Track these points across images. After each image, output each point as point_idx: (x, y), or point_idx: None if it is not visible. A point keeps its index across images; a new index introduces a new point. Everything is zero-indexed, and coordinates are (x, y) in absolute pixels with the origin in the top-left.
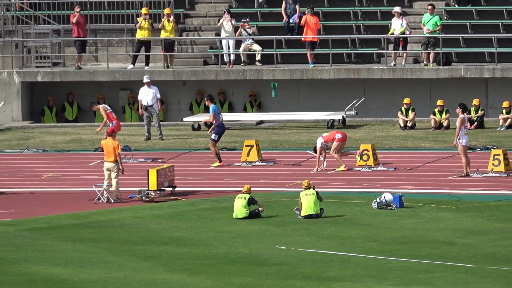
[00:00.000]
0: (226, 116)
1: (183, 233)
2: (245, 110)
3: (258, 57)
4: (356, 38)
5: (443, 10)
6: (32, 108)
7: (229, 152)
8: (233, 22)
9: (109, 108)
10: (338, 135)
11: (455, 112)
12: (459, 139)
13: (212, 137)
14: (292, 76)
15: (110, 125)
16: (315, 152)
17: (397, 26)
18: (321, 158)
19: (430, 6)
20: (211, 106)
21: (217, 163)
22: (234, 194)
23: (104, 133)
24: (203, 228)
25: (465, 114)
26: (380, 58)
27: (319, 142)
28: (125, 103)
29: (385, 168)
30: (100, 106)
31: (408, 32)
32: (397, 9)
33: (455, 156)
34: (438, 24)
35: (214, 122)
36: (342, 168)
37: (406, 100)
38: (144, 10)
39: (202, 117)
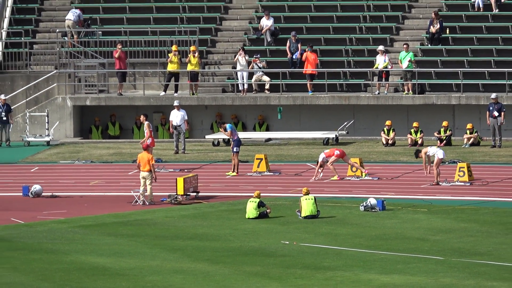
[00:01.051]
0: (241, 135)
1: (204, 230)
2: (254, 129)
3: (267, 86)
4: (347, 71)
5: (418, 48)
6: (82, 127)
7: (242, 164)
8: (247, 57)
9: (151, 126)
10: (336, 152)
11: (428, 132)
12: (437, 153)
13: (234, 150)
14: (294, 102)
15: (148, 141)
16: (318, 164)
17: (381, 61)
18: (320, 170)
19: (405, 45)
20: (227, 125)
21: (233, 173)
22: (246, 199)
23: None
24: (221, 226)
25: (423, 153)
26: (366, 87)
27: (321, 156)
28: (158, 124)
29: (370, 178)
30: (146, 123)
31: (390, 67)
32: (381, 47)
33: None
34: (412, 59)
35: (232, 137)
36: (335, 178)
37: (388, 122)
38: (174, 48)
39: (221, 135)
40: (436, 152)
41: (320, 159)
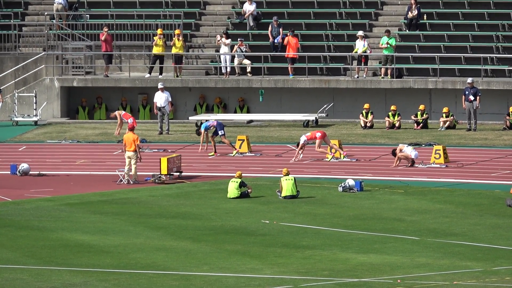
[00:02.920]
0: (223, 116)
1: (187, 209)
2: (235, 112)
3: (248, 69)
4: (327, 56)
5: (396, 34)
6: (69, 108)
7: (225, 144)
8: (229, 41)
9: (123, 111)
10: (318, 134)
11: (405, 115)
12: (411, 153)
13: (220, 133)
14: (276, 85)
15: (129, 121)
16: (297, 146)
17: (360, 46)
18: (300, 151)
19: (386, 32)
20: (202, 127)
21: (235, 151)
22: (228, 179)
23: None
24: (203, 205)
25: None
26: (346, 71)
27: (302, 139)
28: (140, 105)
29: (348, 159)
30: (116, 112)
31: (368, 51)
32: (360, 33)
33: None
34: (393, 44)
35: (213, 127)
36: (330, 157)
37: (366, 105)
38: (159, 31)
39: (204, 117)
40: (410, 152)
41: (301, 142)
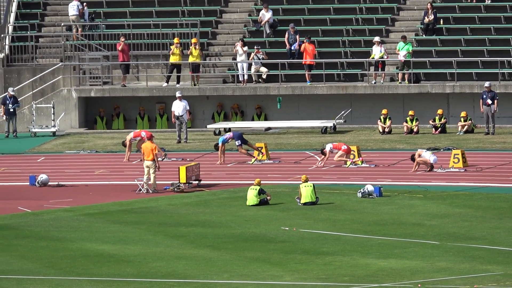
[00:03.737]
0: (241, 124)
1: (206, 217)
2: (253, 120)
3: (264, 76)
4: (344, 62)
5: (413, 39)
6: (87, 118)
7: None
8: (246, 49)
9: (131, 135)
10: (344, 147)
11: (423, 120)
12: (430, 157)
13: (237, 143)
14: (293, 92)
15: (142, 134)
16: (322, 153)
17: (377, 52)
18: (324, 158)
19: (403, 37)
20: (219, 140)
21: (253, 159)
22: (247, 186)
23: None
24: (223, 213)
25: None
26: (363, 77)
27: (328, 146)
28: (157, 114)
29: (367, 165)
30: (127, 139)
31: (385, 57)
32: (377, 38)
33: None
34: (410, 50)
35: (230, 139)
36: (348, 163)
37: (384, 111)
38: (176, 40)
39: (222, 125)
40: (429, 157)
41: (327, 149)
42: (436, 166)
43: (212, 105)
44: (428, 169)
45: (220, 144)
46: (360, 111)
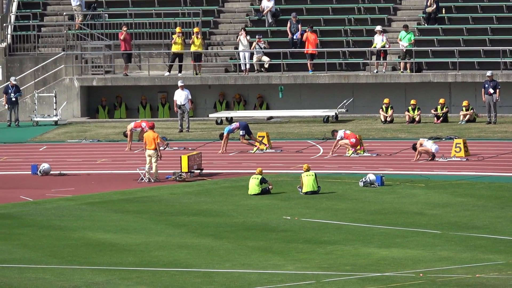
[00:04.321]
0: (243, 113)
1: (208, 206)
2: (255, 108)
3: (266, 65)
4: (346, 51)
5: (415, 28)
6: (89, 107)
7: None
8: (248, 38)
9: (131, 125)
10: (353, 140)
11: (425, 109)
12: (432, 146)
13: (241, 133)
14: (295, 81)
15: (142, 125)
16: (332, 135)
17: (378, 41)
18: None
19: (405, 26)
20: (224, 130)
21: (255, 148)
22: (249, 175)
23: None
24: (225, 202)
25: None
26: (365, 66)
27: (340, 134)
28: (159, 103)
29: (369, 154)
30: (127, 130)
31: (387, 46)
32: (378, 27)
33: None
34: (412, 39)
35: (237, 129)
36: (350, 152)
37: (386, 100)
38: (178, 29)
39: (224, 114)
40: (431, 146)
41: (338, 136)
42: (438, 155)
43: (214, 94)
44: (430, 158)
45: (225, 134)
46: (362, 100)
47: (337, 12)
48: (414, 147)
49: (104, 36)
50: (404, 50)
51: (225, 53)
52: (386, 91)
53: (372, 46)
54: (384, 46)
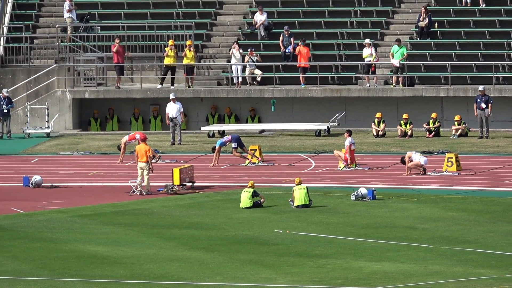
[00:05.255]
0: (235, 126)
1: (200, 219)
2: (247, 122)
3: (258, 79)
4: (339, 65)
5: (408, 42)
6: (81, 119)
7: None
8: (241, 51)
9: (126, 138)
10: (347, 155)
11: (417, 124)
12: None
13: (233, 146)
14: (287, 94)
15: (137, 137)
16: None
17: (367, 53)
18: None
19: (397, 41)
20: (217, 143)
21: (247, 162)
22: (240, 189)
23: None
24: (216, 215)
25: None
26: (357, 80)
27: (348, 143)
28: (151, 116)
29: (361, 168)
30: (122, 143)
31: (375, 60)
32: (367, 40)
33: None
34: (405, 53)
35: (228, 142)
36: (342, 166)
37: (378, 114)
38: (170, 42)
39: (216, 127)
40: (419, 158)
41: (347, 142)
42: (429, 169)
43: (206, 107)
44: (421, 173)
45: (217, 147)
46: (354, 114)
47: (330, 26)
48: (403, 161)
49: (97, 48)
50: (397, 65)
51: (218, 66)
52: (378, 105)
53: (364, 57)
54: (371, 60)
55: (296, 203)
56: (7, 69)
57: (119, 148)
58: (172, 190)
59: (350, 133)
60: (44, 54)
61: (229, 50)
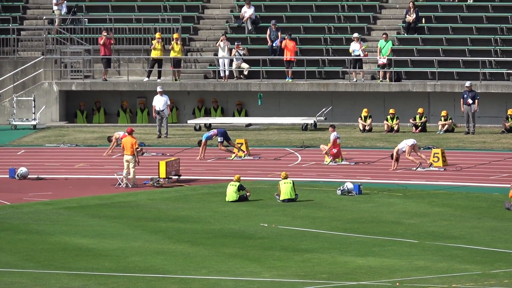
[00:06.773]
0: (222, 120)
1: (186, 212)
2: (234, 116)
3: (245, 73)
4: (326, 59)
5: (395, 37)
6: (67, 111)
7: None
8: (228, 44)
9: (120, 134)
10: (334, 150)
11: (404, 119)
12: (406, 143)
13: (219, 139)
14: (274, 88)
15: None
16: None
17: (355, 48)
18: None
19: (384, 34)
20: (203, 137)
21: (234, 155)
22: (226, 182)
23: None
24: (202, 209)
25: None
26: (344, 75)
27: (333, 137)
28: (137, 108)
29: (347, 163)
30: (113, 138)
31: (363, 55)
32: (355, 35)
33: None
34: (389, 47)
35: (214, 136)
36: (328, 161)
37: (365, 110)
38: (157, 35)
39: (203, 120)
40: (404, 145)
41: (332, 136)
42: (415, 164)
43: (193, 100)
44: (418, 162)
45: (203, 140)
46: (341, 109)
47: (317, 20)
48: (392, 156)
49: (84, 40)
50: (384, 63)
51: (205, 59)
52: (365, 100)
53: (351, 51)
54: (359, 55)
55: (282, 197)
56: None
57: (109, 140)
58: (158, 183)
59: (334, 127)
60: (31, 46)
61: (216, 43)
